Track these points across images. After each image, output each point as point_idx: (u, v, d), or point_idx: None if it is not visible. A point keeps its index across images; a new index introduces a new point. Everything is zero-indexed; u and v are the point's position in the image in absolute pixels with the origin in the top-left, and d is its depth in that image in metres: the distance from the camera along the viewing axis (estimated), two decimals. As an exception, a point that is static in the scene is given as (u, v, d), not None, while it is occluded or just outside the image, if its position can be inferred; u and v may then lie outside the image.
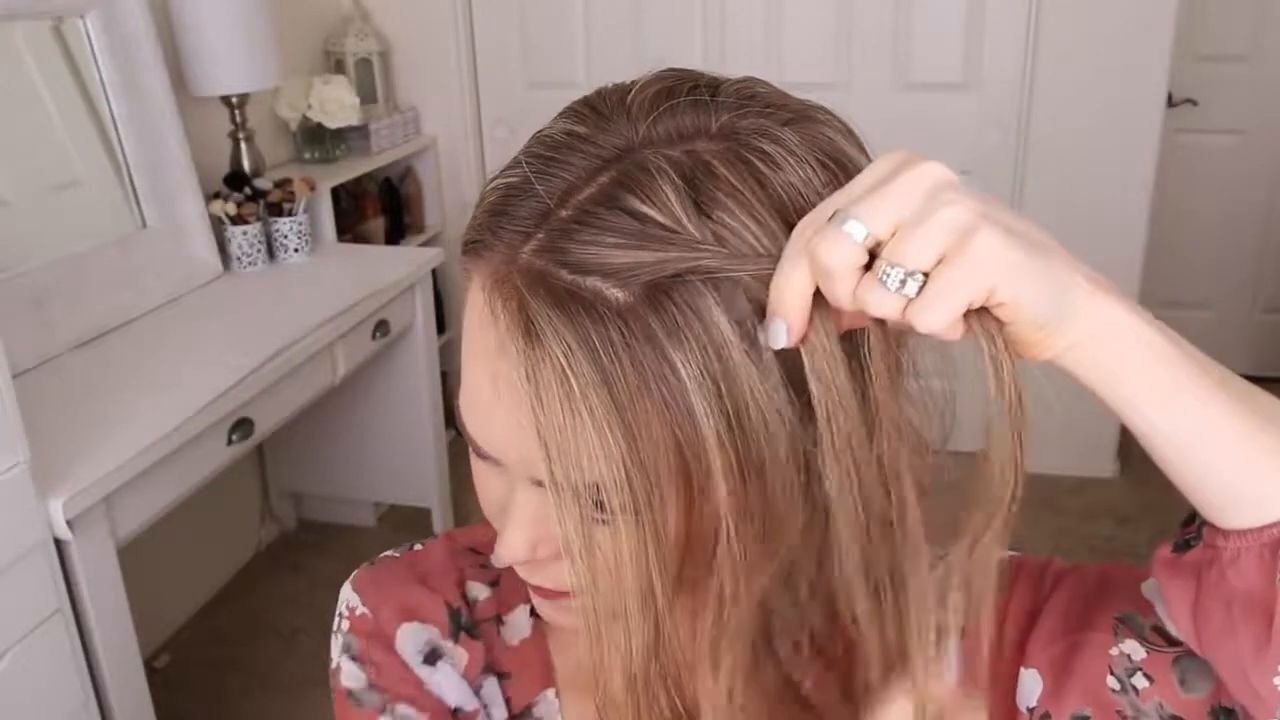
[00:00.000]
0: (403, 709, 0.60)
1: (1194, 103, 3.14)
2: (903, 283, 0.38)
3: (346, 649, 0.62)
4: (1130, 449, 2.86)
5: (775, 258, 0.41)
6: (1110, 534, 2.67)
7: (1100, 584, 0.54)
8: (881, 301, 0.38)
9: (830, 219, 0.39)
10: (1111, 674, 0.50)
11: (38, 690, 1.40)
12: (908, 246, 0.38)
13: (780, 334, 0.40)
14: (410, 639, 0.62)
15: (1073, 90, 2.61)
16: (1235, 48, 3.11)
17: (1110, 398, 0.41)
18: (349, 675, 0.61)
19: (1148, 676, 0.49)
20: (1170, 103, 2.77)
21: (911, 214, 0.38)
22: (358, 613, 0.63)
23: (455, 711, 0.61)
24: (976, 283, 0.38)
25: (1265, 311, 3.40)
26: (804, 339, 0.40)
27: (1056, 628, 0.53)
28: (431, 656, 0.61)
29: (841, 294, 0.39)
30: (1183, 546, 0.45)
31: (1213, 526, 0.43)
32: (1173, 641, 0.49)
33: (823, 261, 0.38)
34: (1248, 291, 3.39)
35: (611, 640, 0.45)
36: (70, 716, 1.46)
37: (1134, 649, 0.50)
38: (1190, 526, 0.45)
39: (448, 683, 0.61)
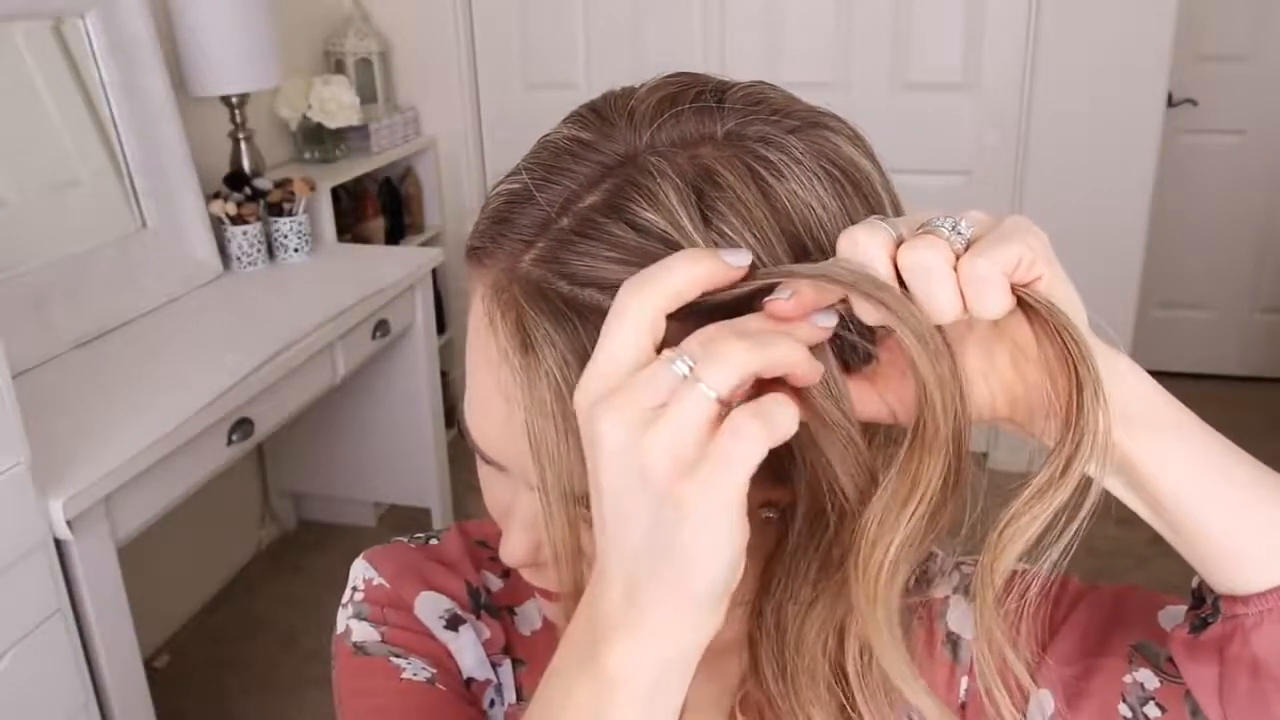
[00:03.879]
0: (416, 659, 0.58)
1: (1194, 103, 3.14)
2: (953, 228, 0.38)
3: (358, 614, 0.60)
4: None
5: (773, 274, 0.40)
6: (1110, 534, 2.65)
7: (1116, 608, 0.53)
8: (933, 244, 0.37)
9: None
10: (1124, 701, 0.50)
11: (38, 690, 1.39)
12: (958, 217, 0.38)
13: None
14: (430, 605, 0.61)
15: (1073, 90, 2.60)
16: (1235, 48, 3.11)
17: (1130, 448, 0.40)
18: (360, 632, 0.59)
19: (1160, 706, 0.49)
20: (1170, 103, 2.77)
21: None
22: (374, 583, 0.61)
23: (468, 681, 0.60)
24: (1020, 239, 0.37)
25: (1265, 311, 3.40)
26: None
27: (1072, 649, 0.52)
28: (453, 623, 0.60)
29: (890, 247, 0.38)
30: (1200, 626, 0.44)
31: (1230, 596, 0.41)
32: None
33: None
34: (1247, 292, 3.39)
35: None
36: (70, 716, 1.46)
37: (1148, 678, 0.50)
38: (1203, 606, 0.44)
39: (468, 650, 0.60)
